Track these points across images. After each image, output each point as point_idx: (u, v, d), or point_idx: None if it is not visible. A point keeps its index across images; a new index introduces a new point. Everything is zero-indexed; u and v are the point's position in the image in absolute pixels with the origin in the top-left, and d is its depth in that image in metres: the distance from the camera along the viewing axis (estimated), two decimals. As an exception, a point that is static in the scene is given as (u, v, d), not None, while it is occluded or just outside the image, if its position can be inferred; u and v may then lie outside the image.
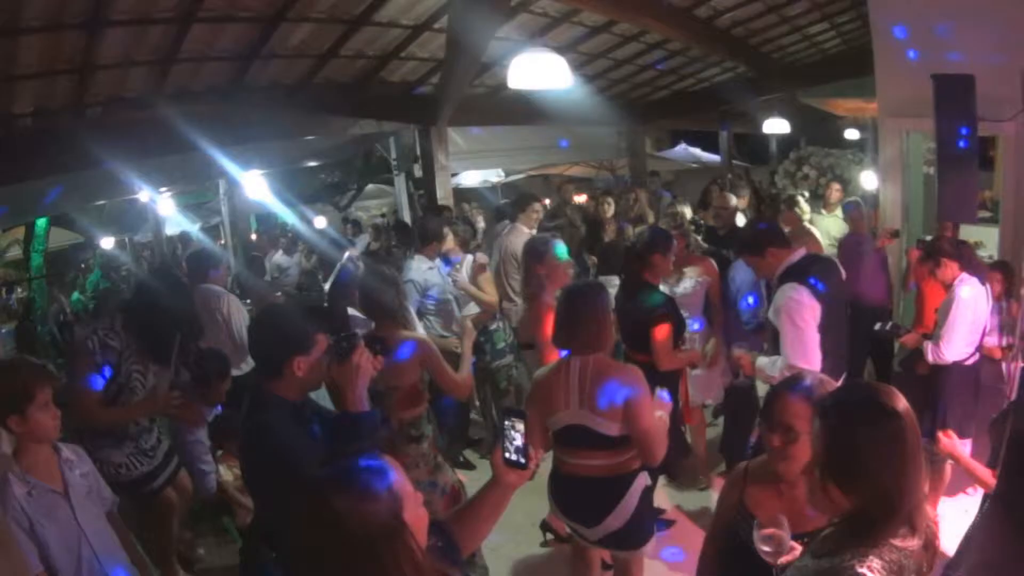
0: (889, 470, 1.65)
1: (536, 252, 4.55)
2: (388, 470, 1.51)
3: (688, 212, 6.96)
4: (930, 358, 4.23)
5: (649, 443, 3.05)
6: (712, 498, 4.89)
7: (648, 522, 3.33)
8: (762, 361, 3.78)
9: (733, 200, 6.97)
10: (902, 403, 1.70)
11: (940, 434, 3.12)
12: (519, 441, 1.99)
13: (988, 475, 2.83)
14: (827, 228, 7.22)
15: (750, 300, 4.99)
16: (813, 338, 3.50)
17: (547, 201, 11.90)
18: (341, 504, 1.44)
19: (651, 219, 8.08)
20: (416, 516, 1.53)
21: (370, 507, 1.44)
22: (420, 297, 5.44)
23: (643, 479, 3.24)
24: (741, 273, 5.02)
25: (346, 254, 7.86)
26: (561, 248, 4.55)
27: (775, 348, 3.68)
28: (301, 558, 1.48)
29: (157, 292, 3.99)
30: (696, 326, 4.84)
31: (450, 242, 5.83)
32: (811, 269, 3.63)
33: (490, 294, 5.63)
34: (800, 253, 3.74)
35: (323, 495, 1.46)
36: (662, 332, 4.20)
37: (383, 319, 3.71)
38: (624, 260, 4.85)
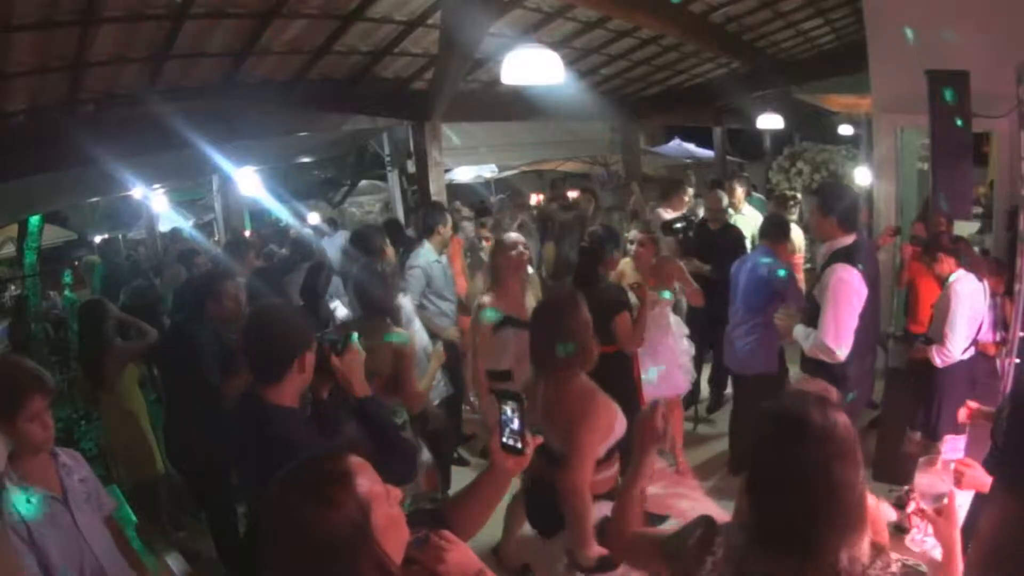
0: (800, 497, 1.46)
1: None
2: (354, 472, 1.45)
3: (666, 215, 7.03)
4: (937, 362, 4.24)
5: (573, 456, 2.83)
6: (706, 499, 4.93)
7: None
8: (799, 331, 3.80)
9: (725, 200, 7.00)
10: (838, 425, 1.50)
11: (959, 465, 2.52)
12: (515, 425, 1.89)
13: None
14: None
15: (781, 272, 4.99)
16: (851, 321, 3.53)
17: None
18: (298, 510, 1.38)
19: (647, 214, 8.08)
20: (387, 517, 1.47)
21: (330, 514, 1.38)
22: (424, 286, 5.40)
23: (599, 508, 2.98)
24: (758, 256, 5.15)
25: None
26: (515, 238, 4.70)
27: (813, 324, 3.69)
28: (271, 560, 1.43)
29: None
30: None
31: (470, 231, 5.74)
32: (859, 254, 3.66)
33: None
34: (851, 238, 3.72)
35: (281, 500, 1.41)
36: (624, 320, 4.34)
37: (373, 313, 3.71)
38: (580, 255, 4.92)
